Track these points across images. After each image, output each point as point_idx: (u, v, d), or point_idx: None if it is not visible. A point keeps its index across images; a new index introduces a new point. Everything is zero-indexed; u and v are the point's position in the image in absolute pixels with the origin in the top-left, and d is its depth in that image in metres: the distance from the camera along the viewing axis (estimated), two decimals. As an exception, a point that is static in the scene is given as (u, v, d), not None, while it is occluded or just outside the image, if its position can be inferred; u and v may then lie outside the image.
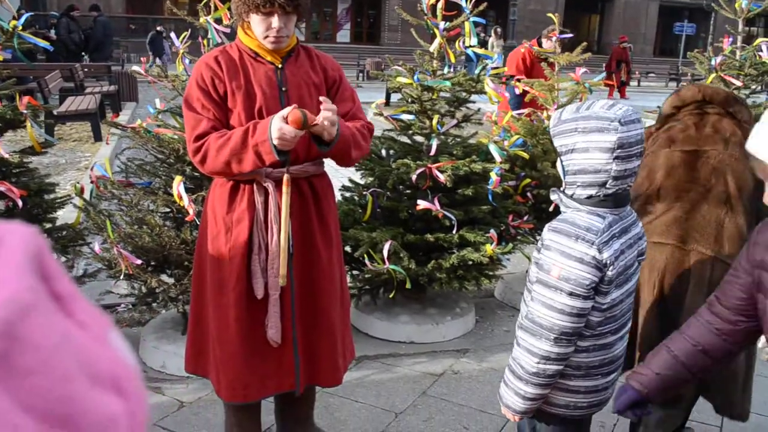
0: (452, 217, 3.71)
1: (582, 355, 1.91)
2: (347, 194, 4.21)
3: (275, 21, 2.30)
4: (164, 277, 3.49)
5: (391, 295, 3.86)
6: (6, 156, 3.23)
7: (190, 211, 3.10)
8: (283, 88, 2.42)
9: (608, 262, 1.80)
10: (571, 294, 1.78)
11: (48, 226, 3.53)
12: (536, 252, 1.91)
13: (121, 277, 3.37)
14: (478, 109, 4.15)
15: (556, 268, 1.79)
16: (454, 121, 3.99)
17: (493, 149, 3.80)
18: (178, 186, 3.03)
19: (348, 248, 3.95)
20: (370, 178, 4.04)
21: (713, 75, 4.38)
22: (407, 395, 3.36)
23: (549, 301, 1.81)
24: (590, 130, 1.78)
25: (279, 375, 2.52)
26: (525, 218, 4.10)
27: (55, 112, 9.61)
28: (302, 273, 2.48)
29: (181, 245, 3.30)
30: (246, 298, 2.42)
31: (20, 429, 0.26)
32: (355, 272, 4.05)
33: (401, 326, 3.99)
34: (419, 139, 4.13)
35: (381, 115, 4.03)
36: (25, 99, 3.21)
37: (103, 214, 3.45)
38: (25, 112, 3.21)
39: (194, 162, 2.39)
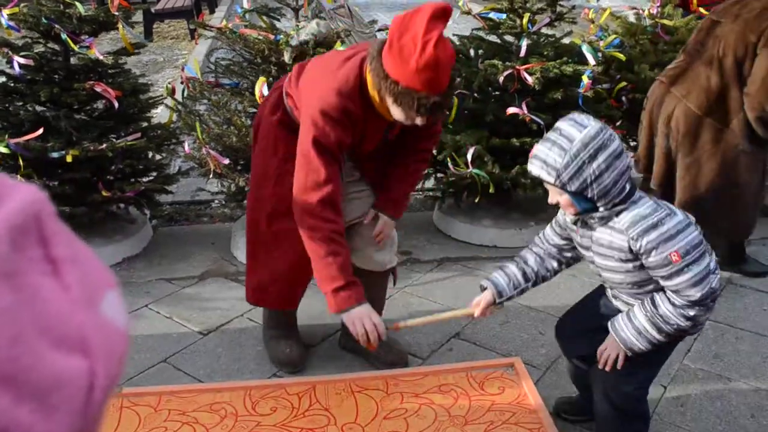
0: (540, 122, 3.60)
1: None
2: (433, 96, 4.13)
3: (419, 120, 2.20)
4: (252, 176, 3.60)
5: (476, 200, 3.83)
6: (101, 57, 3.34)
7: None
8: (386, 133, 2.48)
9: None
10: (703, 254, 1.84)
11: (144, 125, 3.66)
12: (627, 264, 1.91)
13: (210, 175, 3.50)
14: (573, 7, 3.92)
15: (673, 255, 1.80)
16: (546, 19, 3.79)
17: (585, 50, 3.61)
18: (261, 87, 3.06)
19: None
20: (457, 79, 3.94)
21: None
22: (486, 298, 3.39)
23: (694, 277, 1.81)
24: (596, 153, 1.79)
25: None
26: (618, 123, 3.92)
27: (152, 10, 9.80)
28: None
29: (267, 146, 3.37)
30: None
31: None
32: (439, 175, 4.03)
33: (484, 230, 3.98)
34: (509, 38, 3.97)
35: (468, 13, 3.88)
36: (116, 0, 3.28)
37: (193, 115, 3.56)
38: (116, 13, 3.29)
39: (306, 196, 2.25)
